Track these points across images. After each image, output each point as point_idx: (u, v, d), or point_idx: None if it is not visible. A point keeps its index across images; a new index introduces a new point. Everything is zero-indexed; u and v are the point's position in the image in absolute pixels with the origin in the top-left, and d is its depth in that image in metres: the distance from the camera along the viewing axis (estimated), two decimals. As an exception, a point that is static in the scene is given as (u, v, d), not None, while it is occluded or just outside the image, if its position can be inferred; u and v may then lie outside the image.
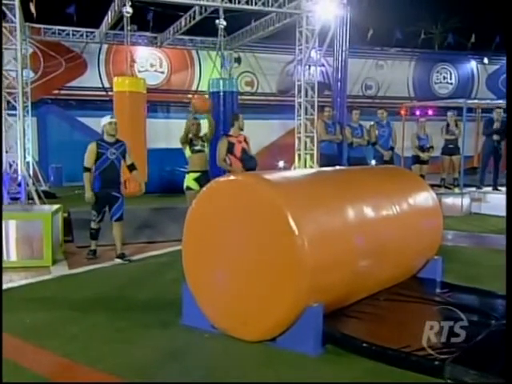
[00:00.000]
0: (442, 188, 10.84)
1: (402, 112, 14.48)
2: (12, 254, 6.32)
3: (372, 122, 10.07)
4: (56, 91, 15.78)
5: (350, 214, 4.30)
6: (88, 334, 4.21)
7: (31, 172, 13.08)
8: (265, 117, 16.92)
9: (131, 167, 6.77)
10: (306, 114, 11.50)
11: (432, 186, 10.53)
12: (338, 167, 6.60)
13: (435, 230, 5.50)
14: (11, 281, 5.68)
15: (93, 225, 6.72)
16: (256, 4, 10.88)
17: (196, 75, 16.77)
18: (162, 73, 16.51)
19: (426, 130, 10.60)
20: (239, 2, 10.77)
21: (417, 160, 10.42)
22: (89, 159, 6.49)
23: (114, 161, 6.57)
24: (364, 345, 3.71)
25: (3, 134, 9.77)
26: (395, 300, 4.68)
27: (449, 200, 10.37)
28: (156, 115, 15.98)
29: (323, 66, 16.71)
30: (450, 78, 20.06)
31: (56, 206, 7.03)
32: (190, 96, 16.74)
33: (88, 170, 6.50)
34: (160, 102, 16.31)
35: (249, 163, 7.04)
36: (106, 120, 6.61)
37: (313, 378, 3.48)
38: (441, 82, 19.95)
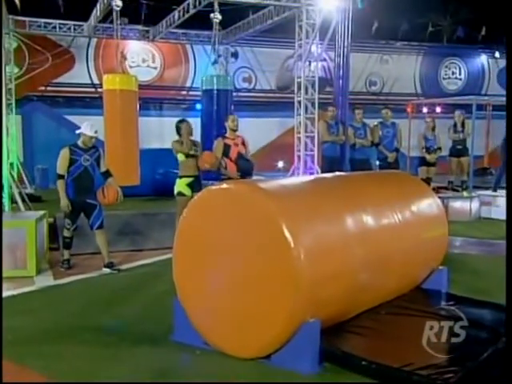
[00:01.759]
0: (449, 191, 10.86)
1: (409, 109, 14.53)
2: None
3: (375, 122, 10.08)
4: (42, 88, 15.78)
5: (349, 224, 4.32)
6: (74, 352, 4.21)
7: (15, 174, 13.10)
8: (263, 115, 16.95)
9: (106, 174, 6.78)
10: (307, 112, 11.47)
11: (439, 188, 10.67)
12: (337, 173, 6.60)
13: (440, 238, 5.52)
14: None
15: (66, 233, 6.74)
16: (253, -4, 10.89)
17: (191, 71, 16.79)
18: (155, 68, 16.53)
19: (434, 129, 10.59)
20: (235, -5, 10.79)
21: (423, 162, 10.45)
22: (62, 165, 6.51)
23: (88, 167, 6.60)
24: (363, 363, 3.73)
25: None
26: (397, 314, 4.70)
27: (456, 204, 10.39)
28: (148, 113, 15.97)
29: (325, 60, 16.71)
30: (460, 74, 20.09)
31: (41, 212, 7.04)
32: (184, 93, 16.83)
33: (62, 176, 6.52)
34: (153, 99, 16.32)
35: (244, 167, 7.07)
36: (88, 132, 6.56)
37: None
38: (449, 78, 19.98)
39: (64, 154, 6.53)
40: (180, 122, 7.31)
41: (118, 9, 10.08)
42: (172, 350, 4.23)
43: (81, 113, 14.75)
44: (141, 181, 10.65)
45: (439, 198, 9.77)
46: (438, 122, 11.50)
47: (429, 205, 5.52)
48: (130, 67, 15.87)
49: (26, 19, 14.39)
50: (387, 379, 3.63)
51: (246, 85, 17.31)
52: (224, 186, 4.28)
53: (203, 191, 4.32)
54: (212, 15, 10.83)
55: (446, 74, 19.90)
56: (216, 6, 10.73)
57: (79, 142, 6.64)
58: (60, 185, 6.52)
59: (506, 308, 3.49)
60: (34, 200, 11.00)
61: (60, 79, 15.82)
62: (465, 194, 10.73)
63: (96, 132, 6.68)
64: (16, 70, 15.06)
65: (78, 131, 6.67)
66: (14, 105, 14.56)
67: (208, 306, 4.16)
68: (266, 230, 3.87)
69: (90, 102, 15.37)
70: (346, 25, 10.73)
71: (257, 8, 13.02)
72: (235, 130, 7.33)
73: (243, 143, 7.40)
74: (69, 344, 4.37)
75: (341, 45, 10.75)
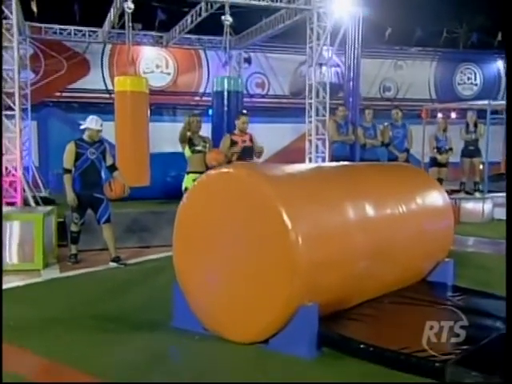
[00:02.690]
0: (461, 193, 10.76)
1: (423, 115, 14.45)
2: (3, 257, 6.40)
3: (386, 123, 10.05)
4: (57, 93, 15.98)
5: (350, 211, 4.30)
6: (73, 335, 4.26)
7: (30, 178, 13.27)
8: (276, 120, 16.95)
9: (112, 168, 6.84)
10: (318, 115, 11.52)
11: (452, 191, 10.56)
12: (341, 162, 6.59)
13: (446, 230, 5.47)
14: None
15: (73, 228, 6.80)
16: (264, 0, 10.97)
17: (204, 76, 16.87)
18: (169, 74, 16.64)
19: (445, 130, 10.52)
20: (246, -2, 10.87)
21: (434, 162, 10.36)
22: (68, 160, 6.59)
23: (95, 161, 6.67)
24: (361, 346, 3.70)
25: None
26: (400, 303, 4.66)
27: (469, 205, 10.30)
28: (162, 118, 16.07)
29: (338, 66, 16.73)
30: (475, 79, 19.95)
31: (49, 208, 7.13)
32: (197, 98, 16.94)
33: (68, 171, 6.59)
34: (166, 104, 16.42)
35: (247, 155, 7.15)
36: (94, 126, 6.65)
37: (304, 380, 3.48)
38: (465, 83, 19.84)
39: (70, 148, 6.61)
40: (189, 116, 7.36)
41: (130, 11, 10.16)
42: (171, 335, 4.24)
43: (95, 118, 14.87)
44: (152, 184, 10.68)
45: (451, 199, 9.77)
46: (453, 127, 11.42)
47: (434, 196, 5.48)
48: (144, 73, 15.99)
49: (42, 25, 14.65)
50: (385, 362, 3.59)
51: (259, 90, 17.35)
52: (223, 170, 4.30)
53: (202, 176, 4.35)
54: (223, 17, 10.89)
55: (461, 80, 19.76)
56: (227, 9, 10.79)
57: (85, 137, 6.72)
58: (67, 179, 6.60)
59: (507, 301, 3.46)
60: (47, 203, 11.11)
61: (75, 85, 15.98)
62: (477, 195, 10.63)
63: (101, 125, 6.75)
64: (32, 75, 15.28)
65: (82, 126, 6.74)
66: (29, 110, 14.78)
67: (207, 291, 4.17)
68: (264, 214, 3.88)
69: (104, 108, 15.44)
70: (356, 26, 10.75)
71: (269, 13, 13.10)
72: (244, 130, 7.39)
73: (251, 140, 7.43)
74: (69, 330, 4.41)
75: (351, 46, 10.76)
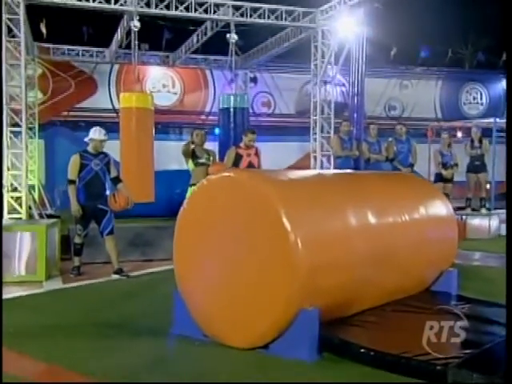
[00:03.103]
0: (467, 209, 10.69)
1: (429, 134, 14.46)
2: (4, 268, 6.39)
3: (390, 138, 10.06)
4: (65, 112, 16.13)
5: (351, 216, 4.30)
6: (72, 341, 4.24)
7: (36, 195, 13.34)
8: (282, 139, 17.00)
9: (116, 180, 6.87)
10: (322, 132, 11.55)
11: (458, 208, 10.50)
12: (344, 170, 6.59)
13: (449, 240, 5.44)
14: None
15: (77, 239, 6.81)
16: (269, 18, 11.08)
17: (210, 96, 17.00)
18: (175, 93, 16.77)
19: (450, 146, 10.52)
20: (251, 16, 10.99)
21: (440, 178, 10.32)
22: (73, 171, 6.64)
23: (99, 172, 6.71)
24: (362, 350, 3.66)
25: (6, 151, 10.05)
26: (403, 310, 4.62)
27: (475, 221, 10.24)
28: (168, 137, 16.17)
29: (343, 85, 16.80)
30: (481, 98, 19.96)
31: (52, 220, 7.14)
32: (203, 117, 17.06)
33: (73, 182, 6.63)
34: (172, 123, 16.54)
35: None
36: (97, 136, 6.72)
37: (303, 381, 3.44)
38: (470, 103, 19.85)
39: (75, 159, 6.67)
40: (194, 129, 7.44)
41: (137, 29, 10.30)
42: (171, 341, 4.22)
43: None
44: (158, 201, 10.70)
45: (457, 215, 9.71)
46: (458, 145, 11.38)
47: (438, 206, 5.46)
48: (151, 92, 16.13)
49: (51, 46, 14.84)
50: (386, 366, 3.55)
51: (265, 109, 17.43)
52: (224, 174, 4.30)
53: (203, 181, 4.35)
54: (228, 36, 11.00)
55: (466, 99, 19.78)
56: (232, 27, 10.91)
57: (89, 148, 6.78)
58: (71, 190, 6.63)
59: (507, 307, 3.42)
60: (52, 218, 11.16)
61: (82, 104, 16.11)
62: (483, 211, 10.56)
63: (105, 135, 6.80)
64: (40, 95, 15.44)
65: (86, 138, 6.81)
66: (37, 129, 14.91)
67: (207, 296, 4.16)
68: (264, 217, 3.88)
69: (111, 127, 15.39)
70: (361, 44, 10.84)
71: (274, 32, 13.23)
72: (250, 147, 7.44)
73: (256, 154, 7.47)
74: (69, 336, 4.40)
75: (356, 63, 10.83)
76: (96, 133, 6.75)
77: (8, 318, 4.75)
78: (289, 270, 3.75)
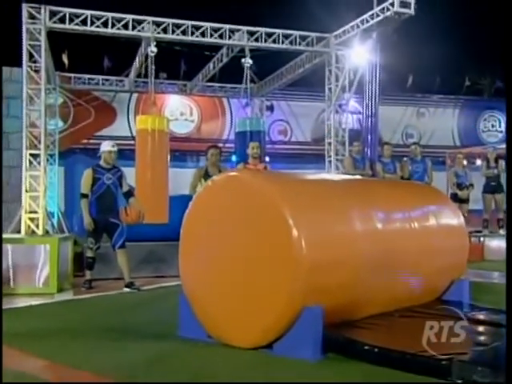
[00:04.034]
0: (485, 230, 10.55)
1: (449, 161, 14.40)
2: (17, 280, 6.46)
3: (405, 158, 10.05)
4: (85, 140, 16.43)
5: (357, 218, 4.28)
6: (77, 342, 4.25)
7: (55, 222, 13.50)
8: (299, 167, 16.97)
9: (128, 194, 6.96)
10: (337, 155, 11.60)
11: (475, 232, 10.37)
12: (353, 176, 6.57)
13: (460, 248, 5.38)
14: (9, 303, 5.79)
15: (89, 253, 6.88)
16: (283, 43, 11.26)
17: (227, 123, 17.22)
18: (192, 121, 17.03)
19: (465, 166, 10.47)
20: (266, 41, 11.18)
21: (455, 198, 10.23)
22: (85, 185, 6.75)
23: (111, 186, 6.81)
24: (366, 347, 3.60)
25: (25, 173, 10.27)
26: (411, 316, 4.54)
27: (493, 243, 10.08)
28: (185, 164, 16.34)
29: (359, 113, 16.90)
30: (499, 126, 19.88)
31: (65, 235, 7.21)
32: (220, 145, 17.23)
33: (85, 196, 6.72)
34: (190, 151, 16.74)
35: None
36: (106, 147, 6.87)
37: (305, 379, 3.38)
38: (489, 130, 19.77)
39: (87, 174, 6.78)
40: (210, 147, 7.50)
41: (153, 54, 10.55)
42: (175, 342, 4.19)
43: (120, 164, 15.18)
44: (172, 224, 10.74)
45: (475, 236, 9.58)
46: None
47: (448, 214, 5.42)
48: (169, 120, 16.38)
49: (72, 75, 15.23)
50: (390, 363, 3.47)
51: (281, 137, 17.59)
52: (228, 174, 4.33)
53: (207, 182, 4.39)
54: (243, 60, 11.19)
55: (485, 127, 19.73)
56: (247, 52, 11.10)
57: (101, 162, 6.89)
58: (84, 203, 6.72)
59: (507, 308, 3.35)
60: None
61: (101, 132, 16.43)
62: (501, 232, 10.41)
63: (113, 146, 6.92)
64: (61, 123, 15.77)
65: (98, 154, 6.94)
66: (57, 156, 15.19)
67: (211, 295, 4.14)
68: (267, 214, 3.88)
69: (129, 154, 15.75)
70: (374, 64, 10.94)
71: (290, 58, 13.41)
72: (256, 158, 7.46)
73: (265, 169, 7.49)
74: (73, 338, 4.40)
75: (369, 84, 10.92)
76: (105, 145, 6.90)
77: (15, 323, 4.83)
78: (291, 267, 3.73)
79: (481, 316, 4.58)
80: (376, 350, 3.56)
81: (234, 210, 4.09)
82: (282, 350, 3.79)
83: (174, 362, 3.73)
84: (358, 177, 6.47)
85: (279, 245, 3.80)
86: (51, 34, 10.64)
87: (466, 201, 10.25)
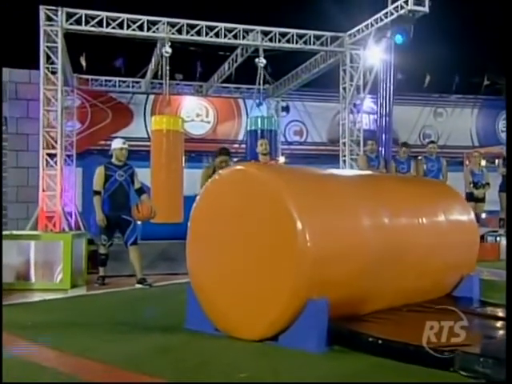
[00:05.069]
0: (500, 229, 10.43)
1: (467, 162, 14.27)
2: (30, 276, 6.57)
3: (420, 157, 9.99)
4: (102, 142, 16.59)
5: (363, 211, 4.29)
6: (85, 333, 4.32)
7: (73, 222, 13.70)
8: (315, 167, 17.04)
9: (140, 191, 7.03)
10: (352, 154, 11.59)
11: (492, 231, 10.26)
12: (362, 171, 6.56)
13: (470, 244, 5.34)
14: (23, 297, 5.90)
15: (102, 250, 6.97)
16: (297, 43, 11.29)
17: (242, 124, 17.24)
18: (208, 123, 17.11)
19: (480, 165, 10.36)
20: (280, 41, 11.23)
21: (471, 197, 10.12)
22: (98, 182, 6.84)
23: (123, 182, 6.89)
24: (370, 339, 3.61)
25: (41, 173, 10.45)
26: (419, 311, 4.53)
27: (509, 242, 9.95)
28: (201, 165, 16.35)
29: (375, 113, 16.83)
30: (519, 126, 19.67)
31: (79, 232, 7.30)
32: (236, 146, 17.29)
33: (98, 193, 6.81)
34: (206, 152, 16.79)
35: None
36: (117, 144, 6.96)
37: (309, 368, 3.41)
38: (508, 130, 19.58)
39: (100, 171, 6.87)
40: (219, 153, 7.20)
41: (168, 55, 10.66)
42: (182, 334, 4.24)
43: (136, 165, 15.31)
44: (186, 224, 10.84)
45: (491, 235, 9.48)
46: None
47: (458, 211, 5.39)
48: (185, 122, 16.50)
49: (89, 77, 15.43)
50: (394, 355, 3.48)
51: (297, 138, 17.58)
52: (234, 168, 4.37)
53: (214, 176, 4.43)
54: (257, 60, 11.25)
55: (504, 127, 19.48)
56: (261, 51, 11.15)
57: (113, 160, 6.98)
58: (96, 200, 6.82)
59: (507, 307, 3.34)
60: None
61: (118, 133, 16.50)
62: (516, 231, 10.27)
63: (124, 143, 7.01)
64: (78, 125, 15.98)
65: (110, 152, 7.03)
66: (74, 157, 15.41)
67: (217, 289, 4.18)
68: (273, 206, 3.91)
69: (146, 156, 15.91)
70: (389, 63, 10.91)
71: (305, 58, 13.42)
72: (265, 154, 7.48)
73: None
74: (84, 330, 4.47)
75: (384, 83, 10.90)
76: (115, 142, 7.00)
77: (27, 316, 4.93)
78: (296, 260, 3.75)
79: (488, 311, 4.54)
80: (380, 341, 3.57)
81: (240, 204, 4.12)
82: (288, 342, 3.81)
83: (180, 352, 3.79)
84: (368, 172, 6.44)
85: (284, 237, 3.83)
86: (70, 38, 10.83)
87: (482, 200, 10.13)
